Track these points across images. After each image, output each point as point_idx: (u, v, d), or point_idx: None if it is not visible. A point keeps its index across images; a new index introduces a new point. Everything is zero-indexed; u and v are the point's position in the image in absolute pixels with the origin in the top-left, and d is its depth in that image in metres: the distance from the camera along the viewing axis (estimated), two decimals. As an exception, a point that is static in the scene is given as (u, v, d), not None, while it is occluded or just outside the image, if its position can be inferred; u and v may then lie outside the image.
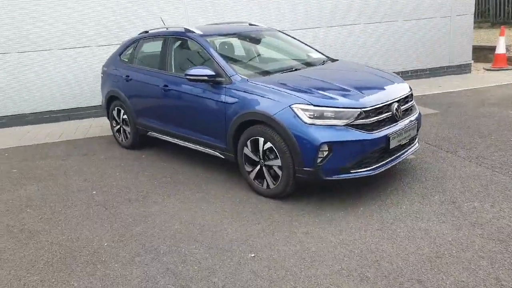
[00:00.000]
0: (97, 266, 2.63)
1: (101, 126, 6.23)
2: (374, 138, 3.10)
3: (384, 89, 3.50)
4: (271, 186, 3.34)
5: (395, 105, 3.33)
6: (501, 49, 8.63)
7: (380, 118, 3.21)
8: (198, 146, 4.04)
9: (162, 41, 4.48)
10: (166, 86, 4.17)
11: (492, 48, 9.00)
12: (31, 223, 3.27)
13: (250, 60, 4.48)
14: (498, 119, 5.14)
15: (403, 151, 3.47)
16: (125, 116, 4.89)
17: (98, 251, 2.80)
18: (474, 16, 8.62)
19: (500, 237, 2.65)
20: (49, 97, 6.65)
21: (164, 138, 4.47)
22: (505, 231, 2.71)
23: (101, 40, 6.58)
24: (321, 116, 3.07)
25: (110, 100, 5.08)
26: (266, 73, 3.86)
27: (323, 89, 3.28)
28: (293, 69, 3.92)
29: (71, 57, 6.57)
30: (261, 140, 3.30)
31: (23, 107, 6.60)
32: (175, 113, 4.19)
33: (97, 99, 6.47)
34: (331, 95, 3.20)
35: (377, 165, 3.20)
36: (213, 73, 3.60)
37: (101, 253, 2.77)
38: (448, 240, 2.65)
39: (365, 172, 3.15)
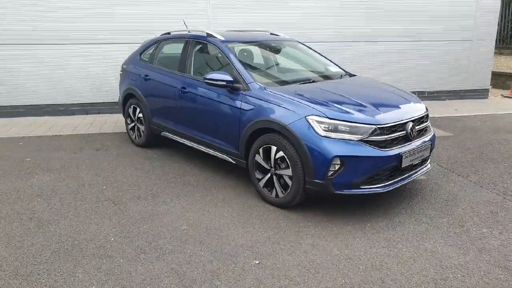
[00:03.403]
0: (103, 260, 2.66)
1: (115, 122, 6.33)
2: (387, 156, 3.10)
3: (400, 107, 3.51)
4: (280, 195, 3.35)
5: (410, 124, 3.33)
6: (520, 77, 8.57)
7: (394, 136, 3.21)
8: (210, 150, 4.07)
9: (183, 44, 4.56)
10: (184, 88, 4.23)
11: (511, 75, 8.92)
12: (41, 213, 3.32)
13: (268, 68, 4.53)
14: (513, 146, 5.09)
15: (415, 171, 3.46)
16: (140, 115, 4.96)
17: (105, 245, 2.84)
18: (496, 42, 8.57)
19: (507, 265, 2.61)
20: (68, 90, 6.79)
21: (177, 139, 4.51)
22: (513, 259, 2.68)
23: (124, 38, 6.70)
24: (335, 130, 3.08)
25: (127, 97, 5.16)
26: (284, 82, 3.90)
27: (339, 103, 3.30)
28: (311, 81, 3.95)
29: (91, 52, 6.72)
30: (274, 148, 3.32)
31: (41, 98, 6.74)
32: (190, 115, 4.24)
33: (114, 96, 6.58)
34: (347, 109, 3.21)
35: (387, 183, 3.20)
36: (231, 79, 3.65)
37: (107, 247, 2.81)
38: (454, 263, 2.62)
39: (375, 189, 3.14)
